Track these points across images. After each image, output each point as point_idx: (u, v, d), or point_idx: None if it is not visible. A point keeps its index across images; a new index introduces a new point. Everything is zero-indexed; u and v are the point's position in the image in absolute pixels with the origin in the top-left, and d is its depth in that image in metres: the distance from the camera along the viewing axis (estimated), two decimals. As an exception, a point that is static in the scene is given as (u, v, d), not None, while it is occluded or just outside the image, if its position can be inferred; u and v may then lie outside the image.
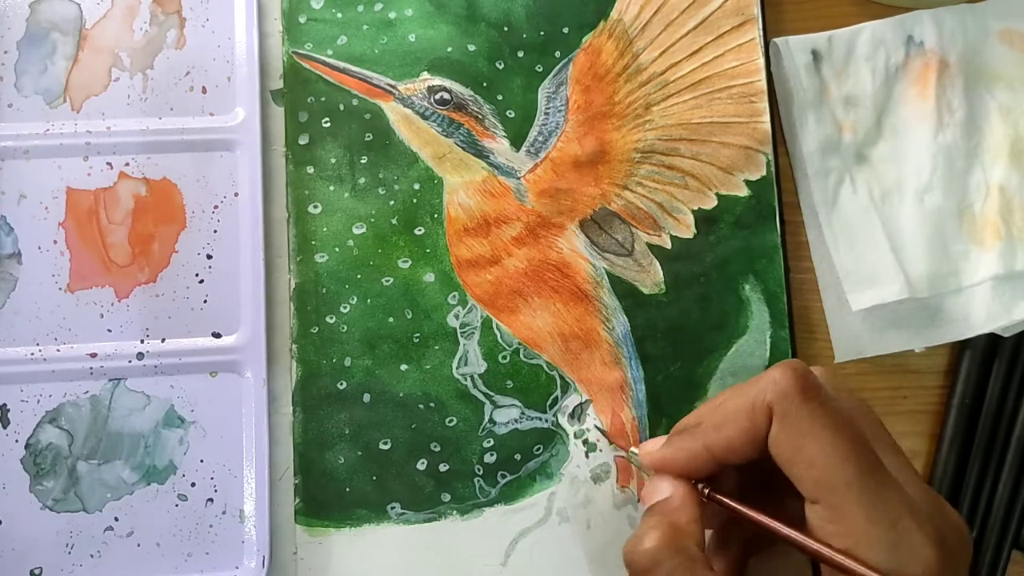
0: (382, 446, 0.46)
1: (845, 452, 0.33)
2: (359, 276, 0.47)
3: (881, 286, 0.47)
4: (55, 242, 0.46)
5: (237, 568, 0.44)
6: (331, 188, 0.47)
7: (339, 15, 0.49)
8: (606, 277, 0.48)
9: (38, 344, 0.45)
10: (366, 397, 0.46)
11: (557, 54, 0.49)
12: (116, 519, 0.44)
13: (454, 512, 0.45)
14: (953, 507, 0.35)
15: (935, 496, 0.34)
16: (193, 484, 0.45)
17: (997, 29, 0.50)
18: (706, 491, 0.37)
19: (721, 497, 0.37)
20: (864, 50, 0.50)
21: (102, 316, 0.46)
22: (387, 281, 0.47)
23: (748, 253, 0.48)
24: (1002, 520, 0.48)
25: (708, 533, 0.39)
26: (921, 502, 0.33)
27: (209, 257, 0.47)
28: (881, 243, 0.48)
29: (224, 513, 0.45)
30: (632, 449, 0.43)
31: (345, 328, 0.46)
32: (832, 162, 0.49)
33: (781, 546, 0.36)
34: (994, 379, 0.48)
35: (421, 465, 0.46)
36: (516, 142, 0.48)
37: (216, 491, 0.45)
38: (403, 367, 0.46)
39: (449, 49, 0.49)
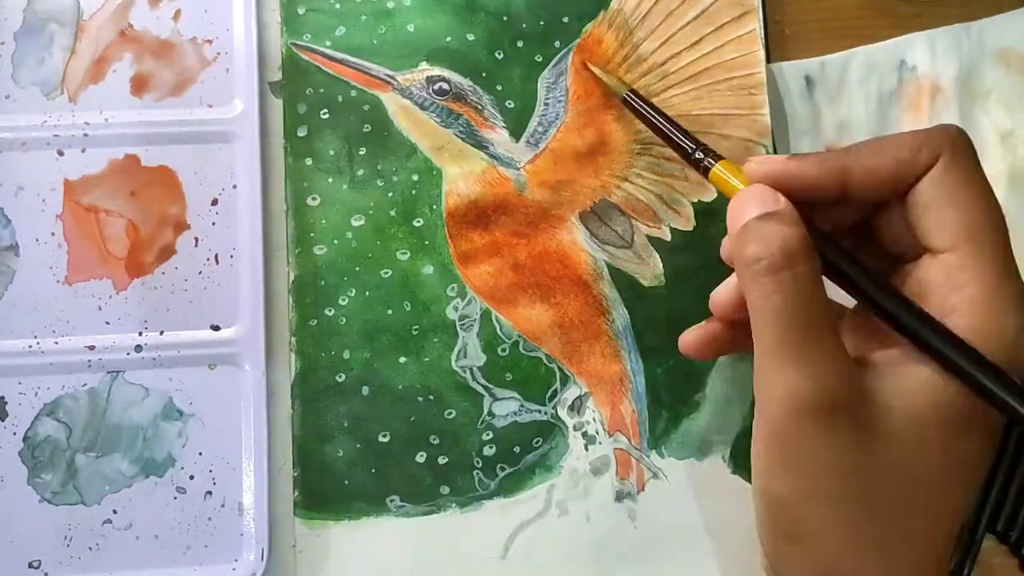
0: (381, 439, 0.46)
1: (992, 206, 0.32)
2: (358, 268, 0.47)
3: None
4: (53, 234, 0.46)
5: (236, 561, 0.44)
6: (330, 180, 0.47)
7: (337, 5, 0.49)
8: (606, 269, 0.47)
9: (36, 337, 0.45)
10: (365, 390, 0.46)
11: (557, 44, 0.49)
12: (115, 512, 0.44)
13: (453, 505, 0.45)
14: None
15: None
16: (192, 477, 0.45)
17: (994, 50, 0.50)
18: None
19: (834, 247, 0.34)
20: (856, 75, 0.49)
21: (100, 308, 0.46)
22: (386, 273, 0.47)
23: (748, 245, 0.48)
24: (976, 505, 0.47)
25: None
26: None
27: (208, 249, 0.46)
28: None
29: (223, 506, 0.45)
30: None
31: (344, 320, 0.46)
32: None
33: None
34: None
35: (420, 458, 0.46)
36: (516, 133, 0.48)
37: (215, 484, 0.45)
38: (402, 359, 0.46)
39: (448, 39, 0.49)
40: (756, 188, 0.34)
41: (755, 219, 0.32)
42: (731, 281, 0.37)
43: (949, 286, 0.31)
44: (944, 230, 0.32)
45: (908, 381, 0.31)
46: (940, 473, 0.31)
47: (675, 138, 0.41)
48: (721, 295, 0.38)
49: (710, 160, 0.38)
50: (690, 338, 0.39)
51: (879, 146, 0.33)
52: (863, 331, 0.35)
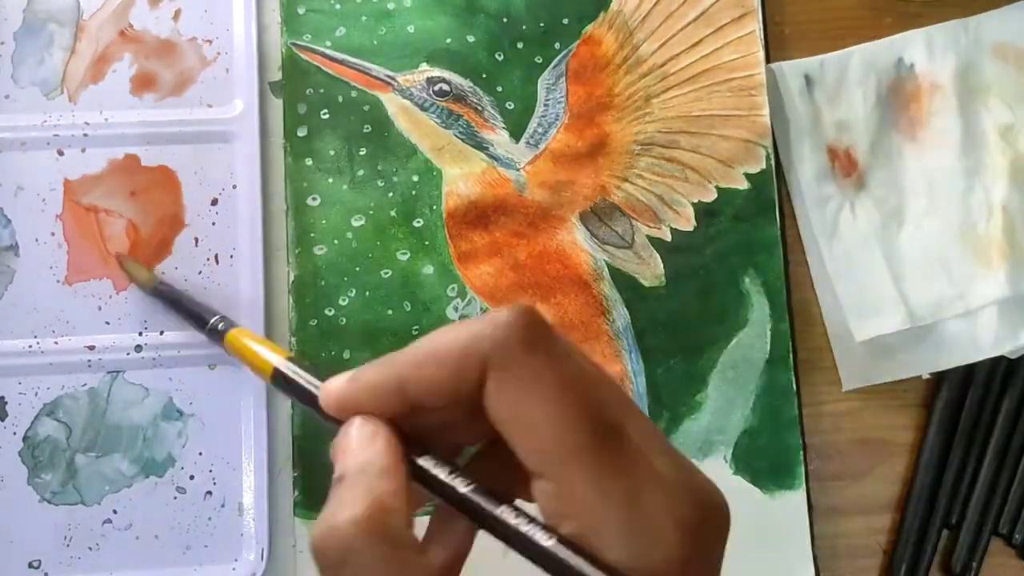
0: (381, 439, 0.45)
1: (574, 414, 0.26)
2: (358, 268, 0.47)
3: (883, 316, 0.47)
4: (52, 234, 0.46)
5: (236, 561, 0.44)
6: (330, 180, 0.47)
7: (338, 6, 0.49)
8: (606, 269, 0.47)
9: (36, 337, 0.45)
10: (365, 390, 0.46)
11: (557, 45, 0.49)
12: (115, 512, 0.44)
13: (453, 505, 0.45)
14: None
15: (689, 466, 0.27)
16: (192, 477, 0.45)
17: (991, 45, 0.50)
18: (413, 458, 0.28)
19: (429, 467, 0.28)
20: (855, 74, 0.50)
21: (100, 308, 0.46)
22: (386, 273, 0.47)
23: (748, 246, 0.48)
24: (982, 507, 0.48)
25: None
26: (669, 473, 0.26)
27: (208, 249, 0.46)
28: (881, 272, 0.48)
29: (223, 506, 0.45)
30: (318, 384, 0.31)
31: (344, 321, 0.46)
32: (828, 189, 0.49)
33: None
34: (977, 371, 0.48)
35: (420, 458, 0.45)
36: (516, 134, 0.48)
37: (215, 484, 0.45)
38: (402, 360, 0.46)
39: (448, 40, 0.49)
40: (356, 423, 0.29)
41: (343, 476, 0.27)
42: None
43: (550, 513, 0.26)
44: (523, 453, 0.26)
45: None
46: None
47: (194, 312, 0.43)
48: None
49: (224, 327, 0.40)
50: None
51: (428, 355, 0.27)
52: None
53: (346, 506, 0.26)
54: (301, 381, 0.31)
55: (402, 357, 0.28)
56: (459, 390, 0.27)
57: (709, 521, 0.27)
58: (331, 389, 0.30)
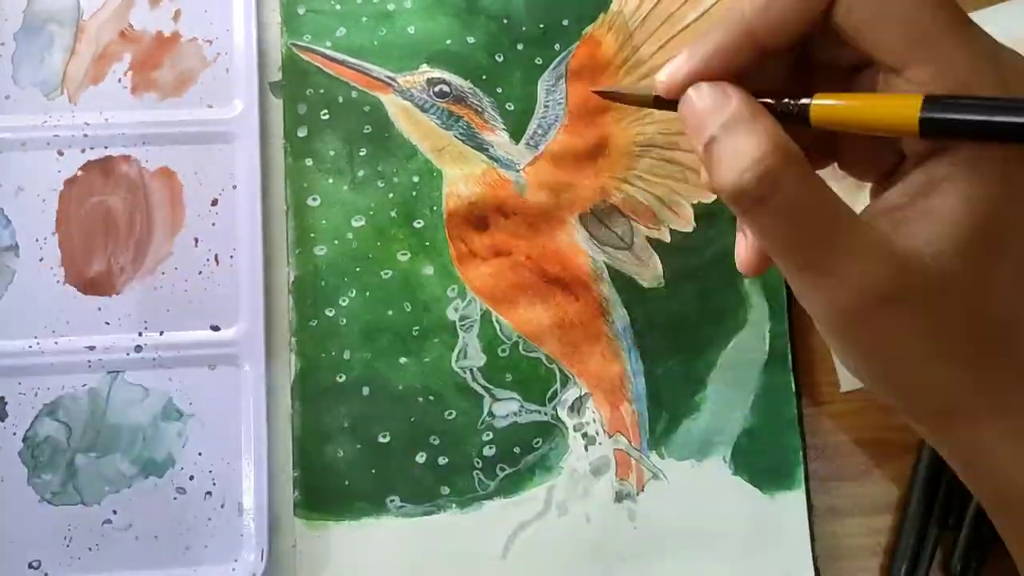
0: (381, 439, 0.46)
1: (933, 2, 0.27)
2: (358, 269, 0.47)
3: None
4: (53, 234, 0.46)
5: (236, 561, 0.44)
6: (330, 181, 0.47)
7: (338, 6, 0.49)
8: (606, 270, 0.47)
9: (36, 337, 0.45)
10: (365, 390, 0.46)
11: (557, 47, 0.49)
12: (114, 512, 0.44)
13: (453, 505, 0.45)
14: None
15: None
16: (192, 477, 0.45)
17: None
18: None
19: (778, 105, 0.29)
20: None
21: (100, 309, 0.46)
22: (386, 274, 0.47)
23: (747, 246, 0.48)
24: (982, 507, 0.47)
25: None
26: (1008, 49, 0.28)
27: (208, 250, 0.46)
28: None
29: (223, 506, 0.45)
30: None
31: (344, 321, 0.46)
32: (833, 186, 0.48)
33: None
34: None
35: (420, 458, 0.46)
36: (516, 135, 0.48)
37: (215, 484, 0.45)
38: (402, 360, 0.46)
39: (448, 41, 0.49)
40: (703, 87, 0.29)
41: (718, 134, 0.28)
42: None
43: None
44: (888, 47, 0.28)
45: (937, 219, 0.28)
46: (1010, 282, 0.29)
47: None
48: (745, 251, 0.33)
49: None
50: (745, 261, 0.33)
51: None
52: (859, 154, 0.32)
53: (748, 147, 0.27)
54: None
55: (740, 7, 0.29)
56: (810, 11, 0.28)
57: None
58: (671, 70, 0.30)
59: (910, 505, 0.47)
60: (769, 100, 0.29)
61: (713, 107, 0.29)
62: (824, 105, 0.29)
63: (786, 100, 0.29)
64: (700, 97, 0.29)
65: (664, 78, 0.30)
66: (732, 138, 0.28)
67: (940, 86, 0.27)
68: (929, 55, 0.27)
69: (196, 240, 0.46)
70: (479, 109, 0.48)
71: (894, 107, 0.28)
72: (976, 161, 0.28)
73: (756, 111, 0.28)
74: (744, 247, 0.32)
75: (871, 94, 0.29)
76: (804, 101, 0.29)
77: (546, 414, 0.46)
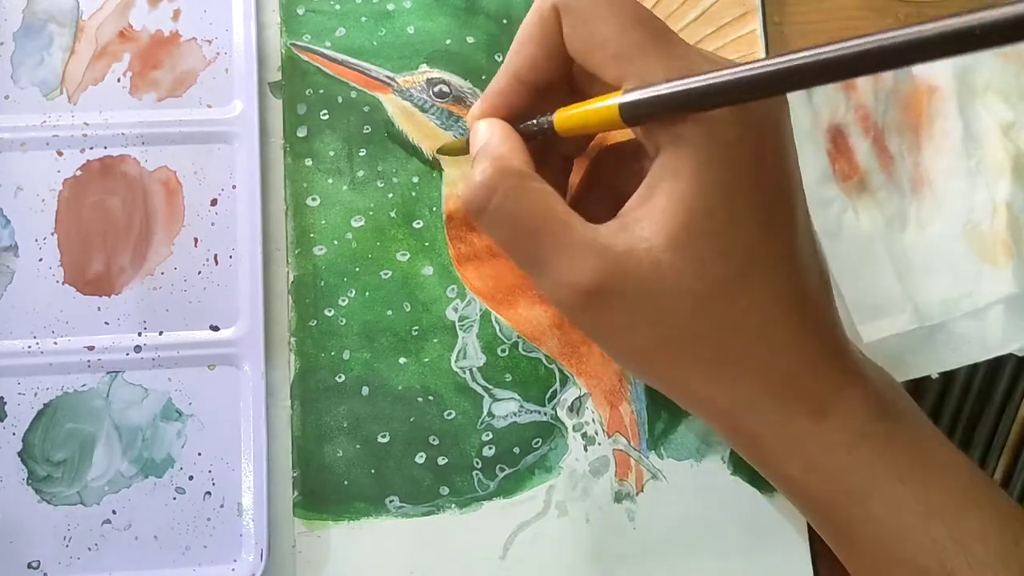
0: (380, 439, 0.46)
1: (634, 21, 0.33)
2: (357, 269, 0.47)
3: (890, 317, 0.47)
4: (52, 234, 0.46)
5: (235, 561, 0.44)
6: (329, 181, 0.47)
7: (337, 6, 0.49)
8: (605, 270, 0.47)
9: (35, 337, 0.45)
10: (364, 390, 0.46)
11: (556, 46, 0.49)
12: (114, 512, 0.44)
13: (452, 505, 0.45)
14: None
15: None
16: (191, 477, 0.45)
17: None
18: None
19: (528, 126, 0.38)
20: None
21: (100, 309, 0.46)
22: (386, 274, 0.47)
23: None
24: None
25: None
26: (709, 56, 0.34)
27: (207, 250, 0.46)
28: (887, 272, 0.48)
29: (222, 506, 0.45)
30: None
31: (344, 321, 0.46)
32: (830, 192, 0.49)
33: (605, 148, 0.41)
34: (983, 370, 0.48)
35: (419, 458, 0.46)
36: (515, 135, 0.48)
37: (214, 484, 0.45)
38: (402, 360, 0.46)
39: (448, 41, 0.49)
40: (477, 125, 0.38)
41: (473, 161, 0.36)
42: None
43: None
44: (604, 69, 0.34)
45: (653, 217, 0.33)
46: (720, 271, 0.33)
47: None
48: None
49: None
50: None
51: (519, 42, 0.37)
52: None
53: (480, 167, 0.35)
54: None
55: (507, 60, 0.37)
56: (554, 52, 0.35)
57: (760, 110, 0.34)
58: (472, 113, 0.39)
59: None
60: (531, 122, 0.38)
61: (475, 140, 0.37)
62: (561, 115, 0.36)
63: (536, 119, 0.37)
64: (472, 132, 0.38)
65: (468, 117, 0.39)
66: (478, 163, 0.35)
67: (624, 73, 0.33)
68: (633, 70, 0.33)
69: (195, 240, 0.46)
70: (479, 109, 0.48)
71: (602, 104, 0.34)
72: (678, 162, 0.32)
73: (507, 139, 0.36)
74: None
75: (592, 99, 0.35)
76: (550, 117, 0.37)
77: (546, 414, 0.46)
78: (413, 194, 0.47)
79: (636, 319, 0.33)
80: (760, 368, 0.34)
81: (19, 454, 0.44)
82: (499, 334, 0.47)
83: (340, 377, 0.46)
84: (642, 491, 0.46)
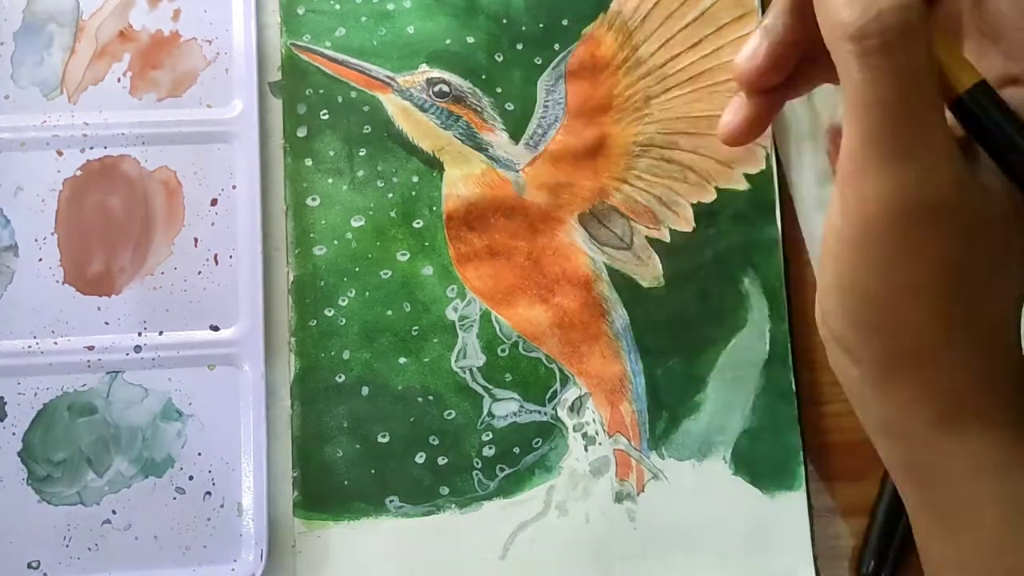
0: (380, 439, 0.46)
1: None
2: (357, 269, 0.47)
3: None
4: (52, 234, 0.46)
5: (235, 561, 0.44)
6: (329, 181, 0.47)
7: (337, 6, 0.49)
8: (605, 270, 0.47)
9: (35, 337, 0.45)
10: (364, 390, 0.46)
11: (556, 47, 0.49)
12: (114, 512, 0.44)
13: (452, 505, 0.45)
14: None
15: None
16: (191, 477, 0.45)
17: None
18: None
19: None
20: None
21: (100, 309, 0.46)
22: (385, 274, 0.47)
23: (747, 247, 0.48)
24: None
25: None
26: None
27: (207, 250, 0.46)
28: None
29: (222, 506, 0.45)
30: None
31: (343, 321, 0.46)
32: (830, 192, 0.49)
33: None
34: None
35: (420, 458, 0.46)
36: (515, 135, 0.48)
37: (214, 484, 0.45)
38: (402, 360, 0.46)
39: (448, 41, 0.49)
40: None
41: None
42: (757, 43, 0.31)
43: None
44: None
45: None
46: None
47: None
48: (752, 60, 0.31)
49: None
50: (730, 126, 0.32)
51: None
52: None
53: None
54: None
55: None
56: None
57: None
58: None
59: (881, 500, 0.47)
60: None
61: None
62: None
63: None
64: None
65: None
66: None
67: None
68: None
69: (195, 240, 0.46)
70: (478, 109, 0.48)
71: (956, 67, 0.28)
72: None
73: None
74: (738, 110, 0.31)
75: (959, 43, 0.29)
76: None
77: (546, 414, 0.46)
78: (413, 194, 0.47)
79: (937, 257, 0.28)
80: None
81: (19, 454, 0.44)
82: (499, 334, 0.47)
83: (340, 377, 0.46)
84: (643, 491, 0.46)
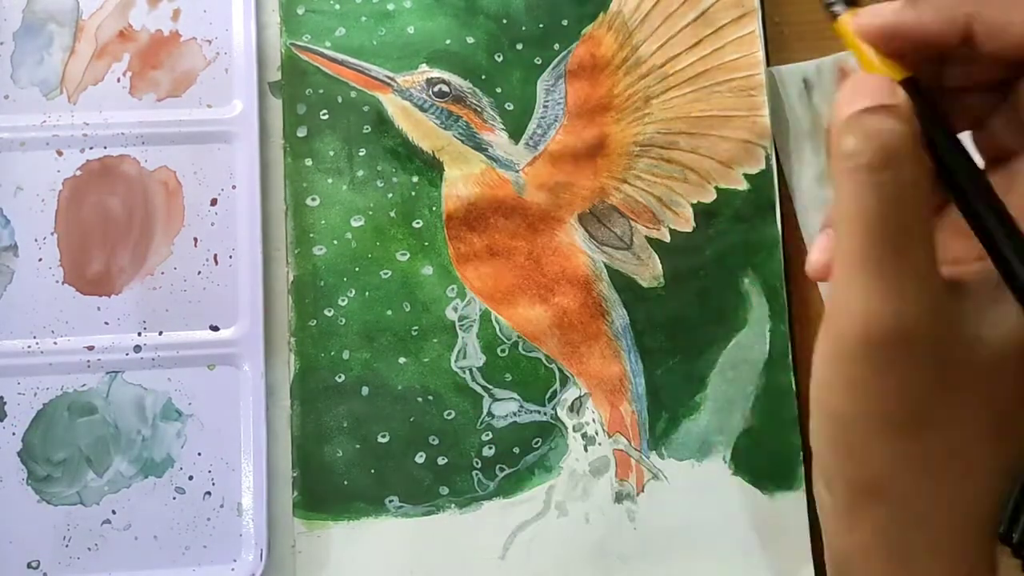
0: (380, 439, 0.46)
1: None
2: (357, 269, 0.47)
3: None
4: (52, 234, 0.46)
5: (235, 561, 0.44)
6: (329, 180, 0.47)
7: (337, 6, 0.49)
8: (605, 270, 0.47)
9: (35, 337, 0.45)
10: (364, 390, 0.46)
11: (556, 46, 0.49)
12: (114, 512, 0.44)
13: (452, 505, 0.45)
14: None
15: None
16: (191, 477, 0.45)
17: None
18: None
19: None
20: None
21: (99, 309, 0.46)
22: (385, 274, 0.47)
23: (747, 247, 0.48)
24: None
25: None
26: None
27: (207, 250, 0.46)
28: None
29: (222, 506, 0.45)
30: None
31: (343, 321, 0.46)
32: (829, 193, 0.49)
33: None
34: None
35: (419, 458, 0.46)
36: (515, 135, 0.48)
37: (214, 484, 0.45)
38: (401, 360, 0.46)
39: (448, 41, 0.49)
40: (872, 78, 0.27)
41: (861, 111, 0.26)
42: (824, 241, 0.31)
43: None
44: None
45: (1004, 309, 0.27)
46: (1013, 414, 0.27)
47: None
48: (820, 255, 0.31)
49: (838, 8, 0.30)
50: (820, 263, 0.32)
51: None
52: (964, 234, 0.28)
53: (896, 117, 0.26)
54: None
55: None
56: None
57: None
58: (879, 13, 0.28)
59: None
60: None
61: (875, 92, 0.27)
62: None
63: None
64: (866, 80, 0.28)
65: (864, 20, 0.28)
66: (876, 116, 0.26)
67: None
68: None
69: (195, 240, 0.46)
70: (478, 109, 0.48)
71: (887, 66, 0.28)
72: None
73: (912, 117, 0.27)
74: (821, 248, 0.31)
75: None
76: None
77: (545, 414, 0.46)
78: (413, 194, 0.47)
79: (918, 383, 0.27)
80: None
81: (19, 454, 0.44)
82: (499, 334, 0.47)
83: (340, 377, 0.46)
84: (642, 491, 0.46)
